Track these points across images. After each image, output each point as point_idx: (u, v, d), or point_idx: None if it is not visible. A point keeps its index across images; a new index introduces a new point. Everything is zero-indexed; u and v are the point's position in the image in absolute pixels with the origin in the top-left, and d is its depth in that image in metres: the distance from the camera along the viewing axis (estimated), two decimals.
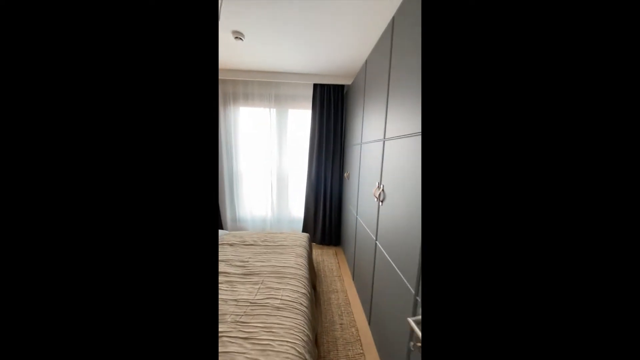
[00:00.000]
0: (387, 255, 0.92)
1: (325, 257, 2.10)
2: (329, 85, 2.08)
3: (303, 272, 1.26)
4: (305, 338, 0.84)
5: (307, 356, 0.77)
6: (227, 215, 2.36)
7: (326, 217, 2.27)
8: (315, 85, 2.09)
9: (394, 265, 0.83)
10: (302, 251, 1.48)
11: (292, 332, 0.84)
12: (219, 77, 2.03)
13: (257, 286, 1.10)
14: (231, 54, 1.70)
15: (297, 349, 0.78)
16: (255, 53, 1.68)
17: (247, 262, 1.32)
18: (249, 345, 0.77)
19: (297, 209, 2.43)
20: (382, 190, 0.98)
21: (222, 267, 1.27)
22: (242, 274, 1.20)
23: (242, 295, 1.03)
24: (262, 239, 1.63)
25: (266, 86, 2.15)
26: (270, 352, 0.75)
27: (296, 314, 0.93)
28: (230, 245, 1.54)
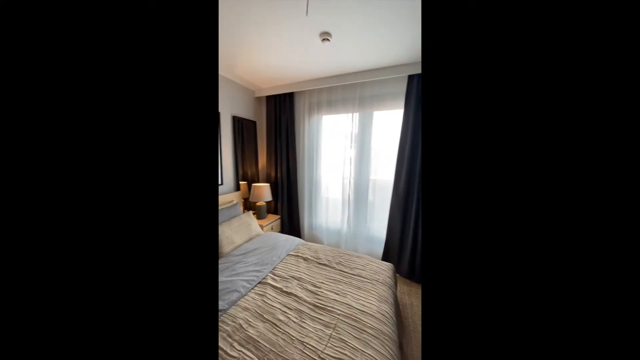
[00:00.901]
0: None
1: (415, 299, 1.58)
2: None
3: (389, 329, 0.91)
4: None
5: None
6: (304, 222, 2.39)
7: (417, 244, 1.74)
8: (410, 77, 1.67)
9: None
10: (387, 293, 1.12)
11: None
12: (305, 89, 2.09)
13: (328, 332, 0.87)
14: (318, 60, 1.66)
15: None
16: (343, 53, 1.54)
17: (320, 288, 1.15)
18: None
19: (377, 227, 2.06)
20: None
21: (294, 286, 1.16)
22: (312, 305, 1.02)
23: (311, 339, 0.84)
24: (337, 260, 1.42)
25: (351, 89, 1.99)
26: None
27: None
28: (305, 260, 1.45)
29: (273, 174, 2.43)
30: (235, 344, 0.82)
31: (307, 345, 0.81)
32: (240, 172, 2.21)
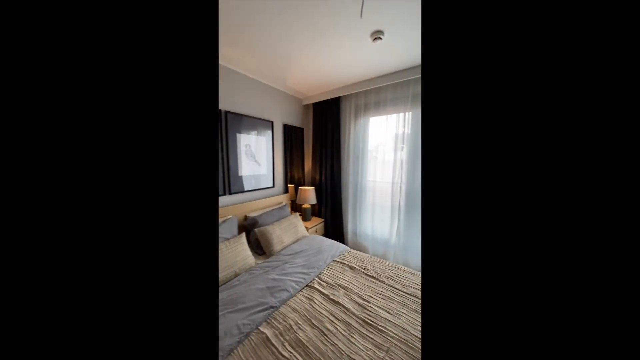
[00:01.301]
0: None
1: None
2: None
3: None
4: None
5: None
6: (348, 227, 2.33)
7: None
8: None
9: None
10: None
11: None
12: (353, 92, 2.06)
13: (381, 354, 0.79)
14: (368, 60, 1.60)
15: None
16: (395, 50, 1.43)
17: (369, 302, 1.07)
18: None
19: None
20: None
21: (341, 295, 1.13)
22: (362, 320, 0.96)
23: (361, 358, 0.78)
24: (387, 274, 1.30)
25: (402, 87, 1.83)
26: None
27: None
28: (351, 268, 1.39)
29: (317, 177, 2.48)
30: (286, 344, 0.84)
31: None
32: (289, 175, 2.35)
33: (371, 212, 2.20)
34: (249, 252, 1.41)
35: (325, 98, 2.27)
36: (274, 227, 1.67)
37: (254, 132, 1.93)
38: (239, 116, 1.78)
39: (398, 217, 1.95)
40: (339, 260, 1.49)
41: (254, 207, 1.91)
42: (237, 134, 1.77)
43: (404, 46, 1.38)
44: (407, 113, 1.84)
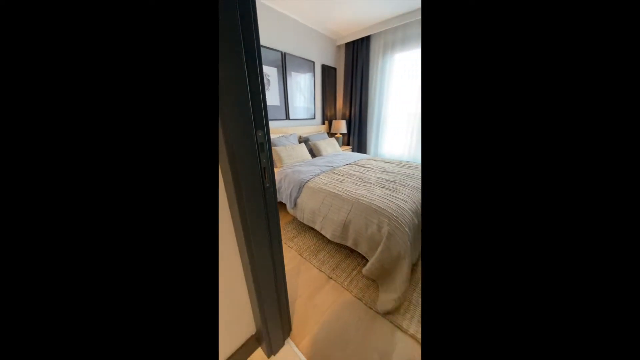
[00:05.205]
0: None
1: None
2: None
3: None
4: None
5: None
6: (371, 151, 3.06)
7: None
8: None
9: None
10: None
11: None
12: (382, 29, 2.38)
13: (387, 191, 1.61)
14: (393, 4, 1.92)
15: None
16: None
17: (393, 173, 1.86)
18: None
19: None
20: None
21: (368, 171, 1.93)
22: (380, 184, 1.76)
23: (374, 188, 1.60)
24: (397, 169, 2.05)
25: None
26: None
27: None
28: (374, 160, 2.17)
29: (347, 113, 3.07)
30: (329, 185, 1.68)
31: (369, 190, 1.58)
32: (326, 110, 2.99)
33: (390, 138, 2.84)
34: (307, 153, 2.25)
35: (358, 37, 2.61)
36: (320, 142, 2.46)
37: (301, 71, 2.50)
38: (292, 57, 2.33)
39: (410, 137, 2.59)
40: (365, 160, 2.27)
41: (304, 131, 2.68)
42: (292, 73, 2.38)
43: None
44: None
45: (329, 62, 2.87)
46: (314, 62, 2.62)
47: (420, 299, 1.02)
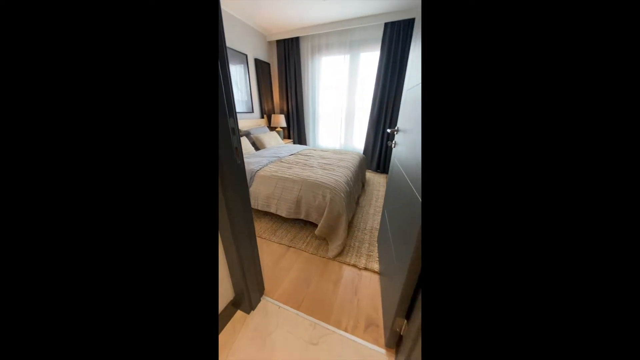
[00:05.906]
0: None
1: (378, 178, 2.76)
2: (399, 22, 2.24)
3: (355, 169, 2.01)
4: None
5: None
6: (310, 144, 3.40)
7: (382, 150, 2.81)
8: (385, 25, 2.33)
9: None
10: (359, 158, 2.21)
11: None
12: (308, 34, 2.69)
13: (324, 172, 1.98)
14: (318, 12, 2.27)
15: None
16: (335, 6, 2.15)
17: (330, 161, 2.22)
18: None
19: (359, 141, 3.09)
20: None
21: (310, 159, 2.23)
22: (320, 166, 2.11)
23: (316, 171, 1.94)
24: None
25: (343, 34, 2.61)
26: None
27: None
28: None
29: (285, 108, 3.26)
30: (278, 171, 1.90)
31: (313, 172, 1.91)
32: (263, 105, 3.04)
33: (324, 130, 3.28)
34: (250, 146, 2.30)
35: (287, 37, 2.81)
36: (263, 135, 2.54)
37: (235, 63, 2.45)
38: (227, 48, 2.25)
39: (340, 129, 3.11)
40: (307, 150, 2.58)
41: (244, 125, 2.66)
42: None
43: (341, 3, 2.11)
44: (346, 55, 2.71)
45: (262, 57, 2.92)
46: (246, 55, 2.61)
47: (354, 243, 1.43)
